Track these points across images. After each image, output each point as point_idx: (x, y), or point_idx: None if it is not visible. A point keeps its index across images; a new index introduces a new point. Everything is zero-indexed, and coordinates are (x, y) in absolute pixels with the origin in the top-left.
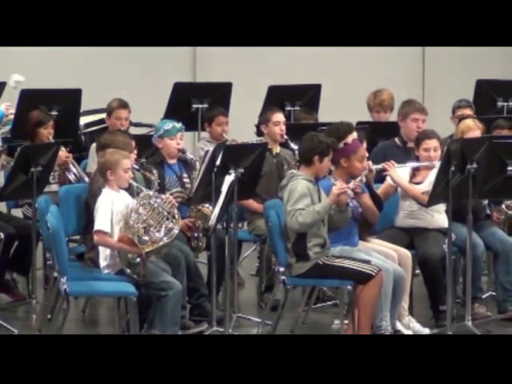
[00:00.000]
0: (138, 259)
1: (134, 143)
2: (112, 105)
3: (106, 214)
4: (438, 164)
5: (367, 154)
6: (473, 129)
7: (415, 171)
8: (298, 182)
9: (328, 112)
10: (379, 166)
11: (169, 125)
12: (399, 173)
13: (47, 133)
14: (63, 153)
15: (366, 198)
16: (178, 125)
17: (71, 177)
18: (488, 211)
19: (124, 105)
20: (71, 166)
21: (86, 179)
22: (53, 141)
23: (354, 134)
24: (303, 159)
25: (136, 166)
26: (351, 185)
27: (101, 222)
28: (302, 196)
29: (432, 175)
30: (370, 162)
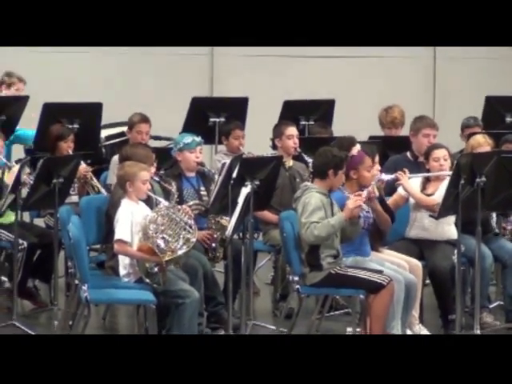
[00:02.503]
0: (156, 269)
1: (154, 156)
2: (133, 119)
3: (125, 224)
4: (448, 173)
5: (379, 167)
6: (483, 145)
7: (426, 184)
8: (312, 195)
9: (342, 126)
10: (392, 176)
11: (188, 138)
12: (411, 184)
13: (67, 146)
14: (83, 167)
15: (379, 205)
16: (198, 138)
17: (90, 189)
18: (497, 230)
19: (145, 119)
20: (90, 178)
21: (104, 192)
22: (72, 154)
23: (358, 146)
24: (318, 173)
25: (156, 178)
26: (365, 193)
27: (121, 231)
28: (316, 209)
29: (442, 188)
30: (383, 174)
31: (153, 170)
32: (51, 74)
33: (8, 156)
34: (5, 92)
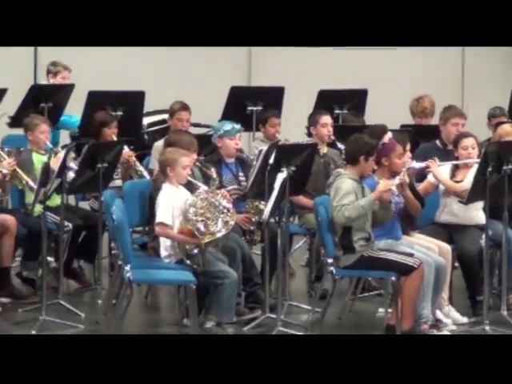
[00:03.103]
0: (196, 250)
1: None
2: (174, 107)
3: (166, 208)
4: (476, 161)
5: (410, 155)
6: (510, 134)
7: (455, 171)
8: (344, 181)
9: (374, 115)
10: (422, 164)
11: (228, 125)
12: (441, 171)
13: (111, 132)
14: (126, 152)
15: (410, 192)
16: (238, 126)
17: (133, 173)
18: None
19: (185, 107)
20: (133, 163)
21: (147, 176)
22: (116, 139)
23: (389, 134)
24: (349, 159)
25: (198, 164)
26: (397, 180)
27: (162, 214)
28: (347, 193)
29: (471, 175)
30: (414, 161)
31: (195, 156)
32: (102, 62)
33: (55, 142)
34: (52, 81)
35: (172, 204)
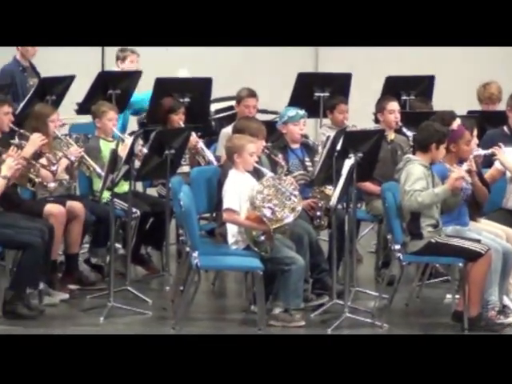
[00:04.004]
0: (262, 237)
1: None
2: (241, 94)
3: (234, 194)
4: None
5: (477, 141)
6: None
7: None
8: (415, 166)
9: (441, 101)
10: (489, 151)
11: (292, 111)
12: (508, 157)
13: (178, 119)
14: (193, 138)
15: (477, 178)
16: (302, 111)
17: (201, 160)
18: None
19: (252, 94)
20: (201, 150)
21: (215, 162)
22: (183, 126)
23: (458, 120)
24: (420, 146)
25: (266, 151)
26: (465, 167)
27: (229, 201)
28: (419, 179)
29: None
30: (480, 149)
31: (263, 142)
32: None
33: (125, 125)
34: (121, 66)
35: (239, 190)
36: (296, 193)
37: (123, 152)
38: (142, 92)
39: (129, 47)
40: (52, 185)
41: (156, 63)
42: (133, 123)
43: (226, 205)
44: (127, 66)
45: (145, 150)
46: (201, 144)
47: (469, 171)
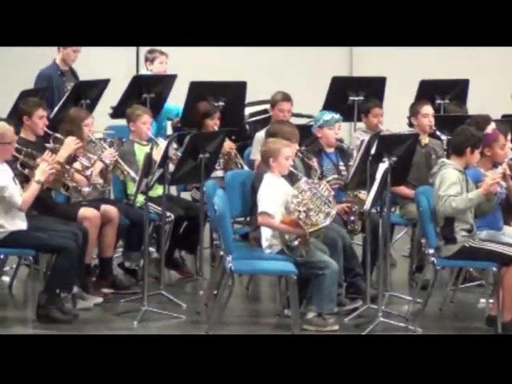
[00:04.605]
0: (296, 242)
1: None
2: (276, 97)
3: (269, 198)
4: None
5: (511, 145)
6: None
7: None
8: (449, 171)
9: (476, 105)
10: None
11: (328, 115)
12: None
13: (213, 123)
14: (228, 144)
15: (511, 182)
16: (337, 115)
17: (233, 166)
18: None
19: (287, 97)
20: (234, 155)
21: (246, 168)
22: (218, 130)
23: (493, 125)
24: (455, 150)
25: (299, 154)
26: (499, 170)
27: (264, 204)
28: (453, 183)
29: None
30: None
31: (297, 146)
32: (203, 54)
33: (162, 132)
34: (150, 68)
35: (274, 194)
36: (331, 198)
37: (157, 156)
38: (174, 105)
39: (157, 48)
40: (86, 189)
41: (187, 65)
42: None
43: (261, 208)
44: (156, 67)
45: (179, 154)
46: (234, 150)
47: (503, 175)
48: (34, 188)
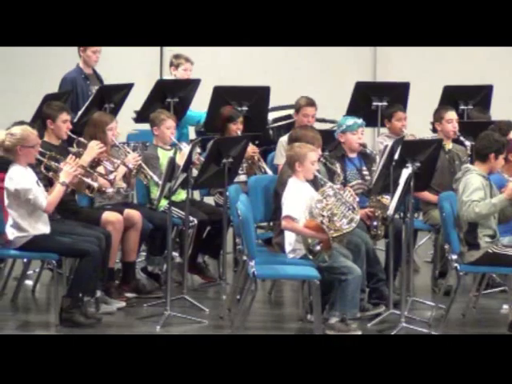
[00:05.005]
0: (318, 247)
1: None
2: (300, 102)
3: (293, 202)
4: None
5: None
6: None
7: None
8: (473, 176)
9: (499, 111)
10: None
11: (350, 120)
12: None
13: (236, 128)
14: (251, 148)
15: None
16: (360, 120)
17: (257, 171)
18: None
19: (311, 102)
20: (257, 160)
21: (271, 173)
22: (241, 135)
23: None
24: (479, 156)
25: (322, 159)
26: None
27: (289, 208)
28: (477, 189)
29: None
30: None
31: (319, 151)
32: (227, 58)
33: (186, 137)
34: (174, 73)
35: (299, 198)
36: (355, 204)
37: (181, 160)
38: (196, 111)
39: (184, 55)
40: (110, 190)
41: (210, 70)
42: (190, 132)
43: (285, 212)
44: (180, 73)
45: (202, 159)
46: (258, 154)
47: None
48: (58, 190)
